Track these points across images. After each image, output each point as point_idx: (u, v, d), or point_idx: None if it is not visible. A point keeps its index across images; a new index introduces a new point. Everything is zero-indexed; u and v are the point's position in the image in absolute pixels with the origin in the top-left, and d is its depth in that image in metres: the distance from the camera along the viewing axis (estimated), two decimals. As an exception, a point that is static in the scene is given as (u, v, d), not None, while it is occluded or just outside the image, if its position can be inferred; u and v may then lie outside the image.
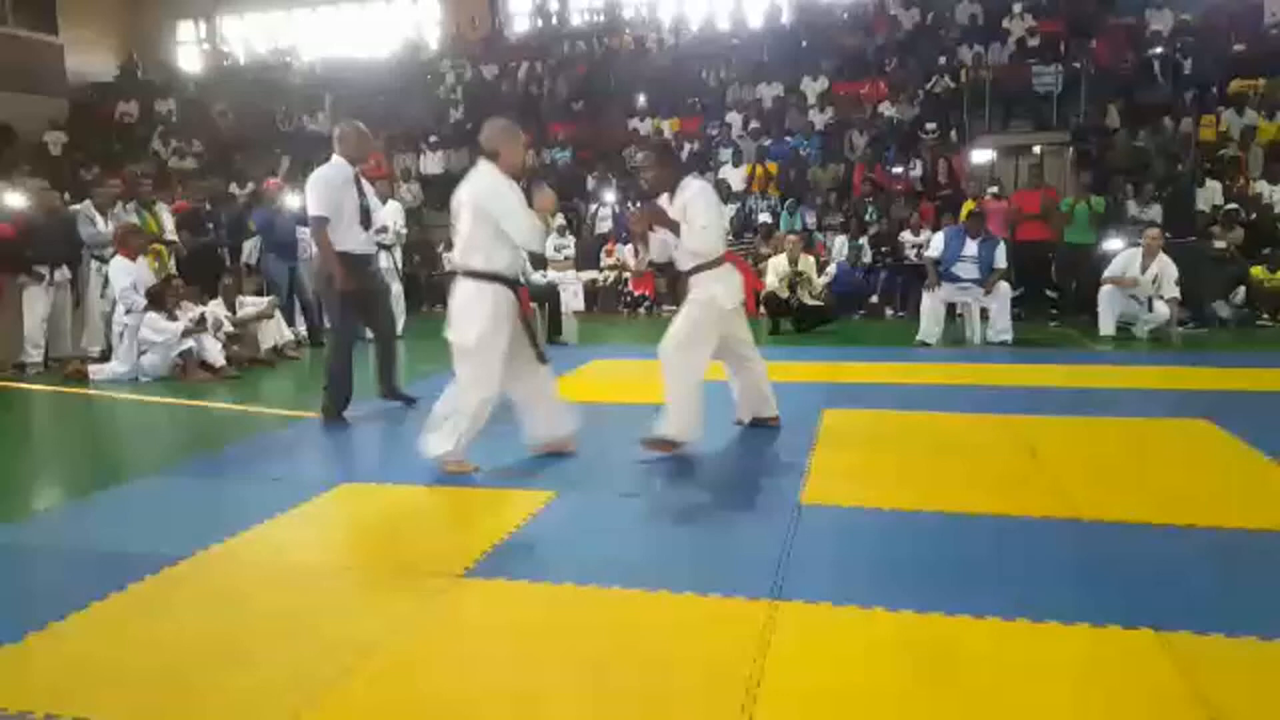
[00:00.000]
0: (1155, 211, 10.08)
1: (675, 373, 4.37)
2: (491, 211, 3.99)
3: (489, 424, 4.20)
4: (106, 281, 7.74)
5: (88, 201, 8.39)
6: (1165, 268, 8.21)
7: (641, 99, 15.15)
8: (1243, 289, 9.42)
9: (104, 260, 7.89)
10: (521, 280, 4.31)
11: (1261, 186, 10.60)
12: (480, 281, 4.05)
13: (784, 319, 9.30)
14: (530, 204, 4.11)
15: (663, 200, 4.50)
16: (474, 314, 4.02)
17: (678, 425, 4.34)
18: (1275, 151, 11.13)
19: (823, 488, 3.90)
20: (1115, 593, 2.79)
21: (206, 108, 17.43)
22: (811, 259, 9.58)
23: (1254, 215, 10.11)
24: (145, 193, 8.97)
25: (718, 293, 4.43)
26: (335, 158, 5.37)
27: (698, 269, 4.47)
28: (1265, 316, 9.22)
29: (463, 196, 4.07)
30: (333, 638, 2.59)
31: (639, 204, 4.64)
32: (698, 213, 4.35)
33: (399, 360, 6.12)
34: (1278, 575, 2.95)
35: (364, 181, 5.51)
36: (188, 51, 20.86)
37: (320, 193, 5.20)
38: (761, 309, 9.76)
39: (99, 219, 8.23)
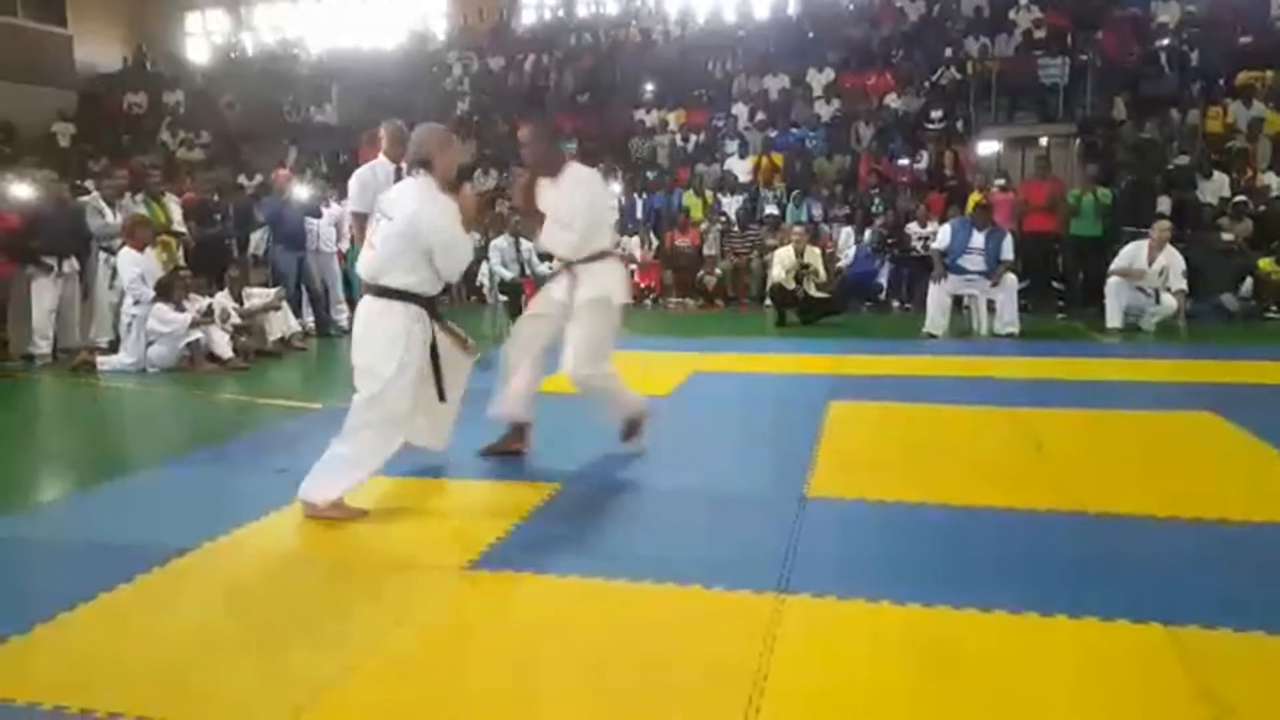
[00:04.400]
0: (1163, 204, 10.04)
1: (595, 388, 4.17)
2: (430, 244, 3.52)
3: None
4: (114, 273, 7.76)
5: (95, 193, 8.41)
6: (1173, 259, 8.19)
7: (648, 91, 15.11)
8: (1250, 281, 9.38)
9: (112, 251, 7.90)
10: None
11: (1269, 178, 10.54)
12: (394, 301, 3.56)
13: (790, 311, 9.29)
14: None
15: (544, 183, 4.12)
16: (389, 336, 3.54)
17: (627, 410, 4.32)
18: (1283, 144, 11.08)
19: (829, 480, 3.90)
20: (1123, 587, 2.78)
21: (214, 99, 17.45)
22: (817, 251, 9.56)
23: (1262, 207, 10.06)
24: (153, 184, 8.98)
25: (611, 288, 4.14)
26: (380, 156, 5.82)
27: (589, 259, 4.11)
28: (1273, 309, 9.18)
29: (395, 211, 3.55)
30: (337, 632, 2.60)
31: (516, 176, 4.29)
32: (575, 207, 4.01)
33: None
34: (1284, 569, 2.95)
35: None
36: (196, 43, 20.86)
37: (354, 189, 5.77)
38: (768, 300, 9.76)
39: (107, 210, 8.25)
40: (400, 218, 3.53)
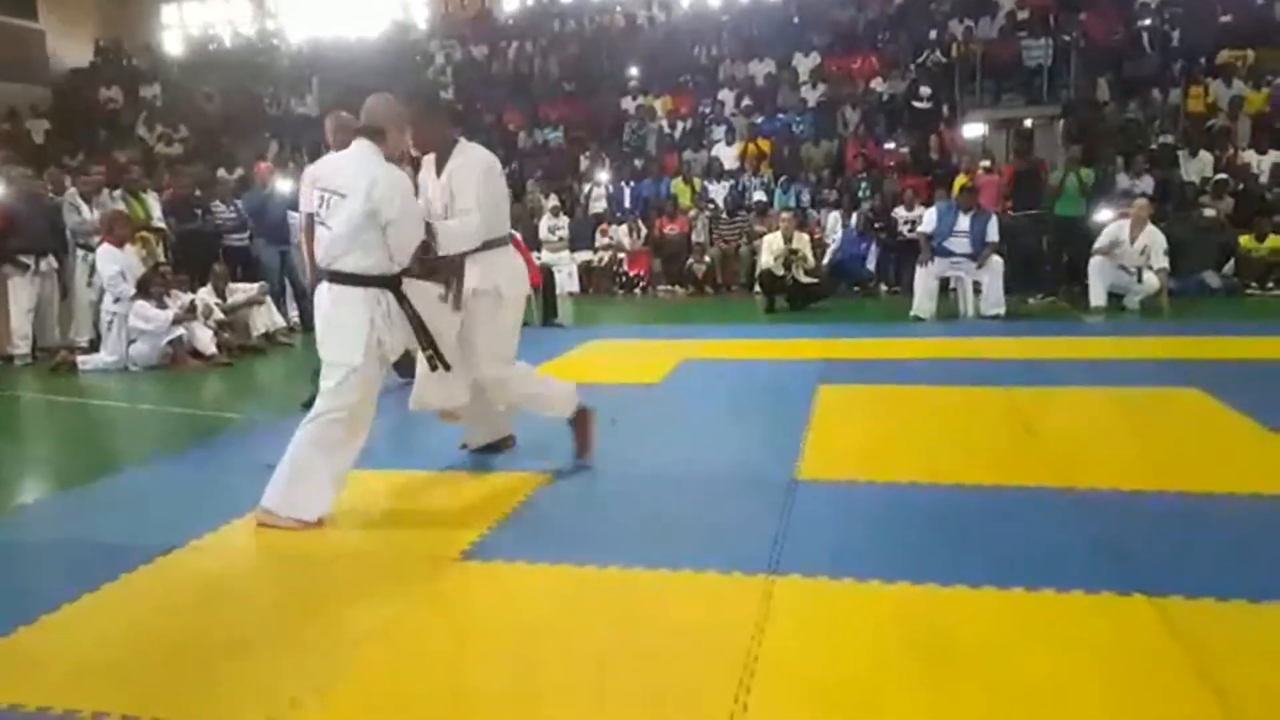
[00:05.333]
0: (1146, 183, 10.09)
1: (513, 392, 3.90)
2: (388, 216, 3.27)
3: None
4: (93, 270, 7.67)
5: (72, 189, 8.31)
6: (1154, 238, 8.23)
7: (634, 77, 15.05)
8: (1232, 259, 9.44)
9: (90, 249, 7.81)
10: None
11: (1249, 156, 10.61)
12: (352, 287, 3.36)
13: (779, 297, 9.29)
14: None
15: (427, 161, 3.74)
16: (351, 326, 3.34)
17: (562, 404, 3.98)
18: (1263, 122, 11.14)
19: (818, 463, 3.90)
20: (1109, 560, 2.80)
21: (192, 92, 17.26)
22: (805, 237, 9.57)
23: (1242, 185, 10.12)
24: (131, 179, 8.88)
25: (502, 283, 3.71)
26: (330, 151, 5.27)
27: (478, 249, 3.66)
28: (1254, 285, 9.24)
29: (349, 186, 3.30)
30: (328, 627, 2.58)
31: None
32: (466, 189, 3.57)
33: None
34: (1267, 539, 2.97)
35: None
36: (172, 35, 20.63)
37: (303, 190, 5.14)
38: (757, 287, 9.76)
39: (84, 206, 8.17)
40: (357, 192, 3.27)
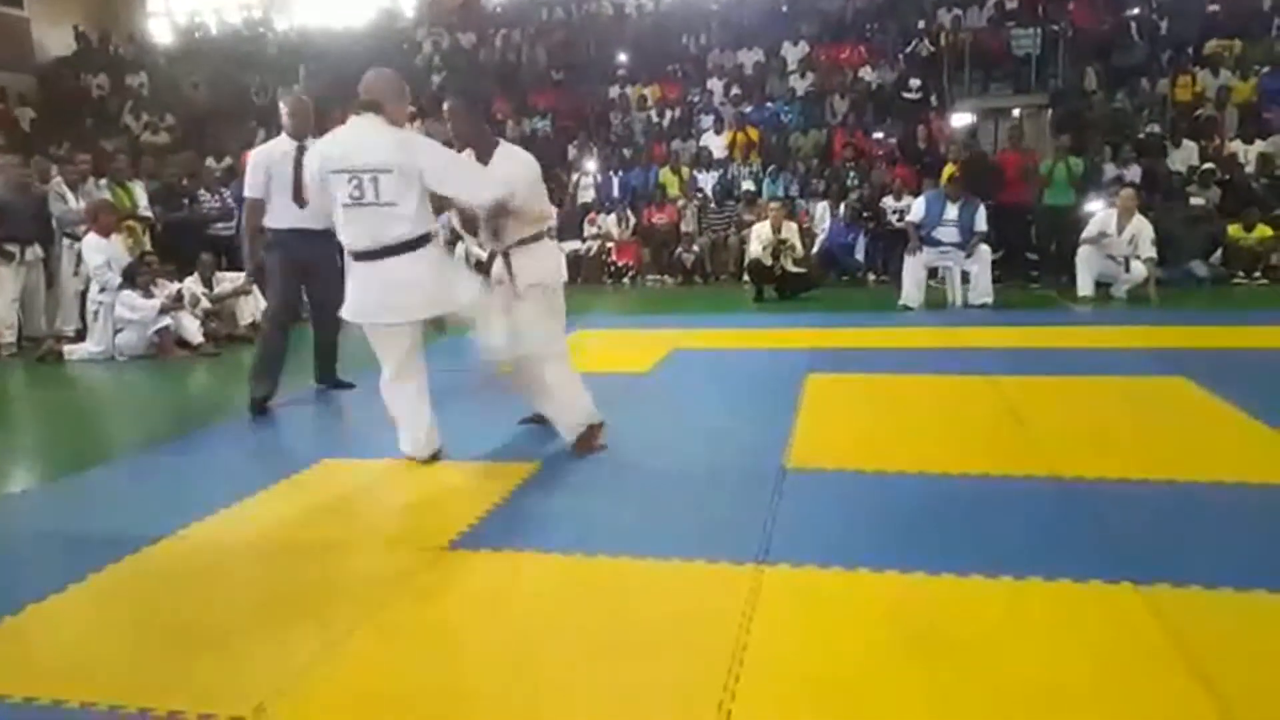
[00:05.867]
0: (1133, 173, 10.12)
1: (550, 370, 3.94)
2: (422, 168, 3.45)
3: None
4: (79, 259, 7.62)
5: (58, 178, 8.24)
6: (1141, 228, 8.26)
7: (622, 66, 14.99)
8: (1220, 249, 9.48)
9: (75, 238, 7.76)
10: None
11: (1236, 146, 10.65)
12: (429, 249, 3.59)
13: (768, 286, 9.30)
14: None
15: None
16: (457, 268, 3.78)
17: (580, 414, 4.01)
18: (1250, 111, 11.19)
19: (807, 452, 3.91)
20: (1096, 548, 2.82)
21: (178, 81, 17.12)
22: (794, 226, 9.57)
23: (1229, 175, 10.17)
24: (117, 168, 8.81)
25: (549, 272, 4.02)
26: (282, 134, 5.22)
27: (522, 242, 3.90)
28: (1241, 275, 9.29)
29: (372, 159, 3.44)
30: (314, 615, 2.58)
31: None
32: (515, 181, 3.76)
33: (338, 347, 5.55)
34: (1252, 527, 2.99)
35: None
36: (159, 23, 20.43)
37: (248, 174, 5.16)
38: (746, 277, 9.76)
39: (69, 195, 8.10)
40: (385, 161, 3.40)
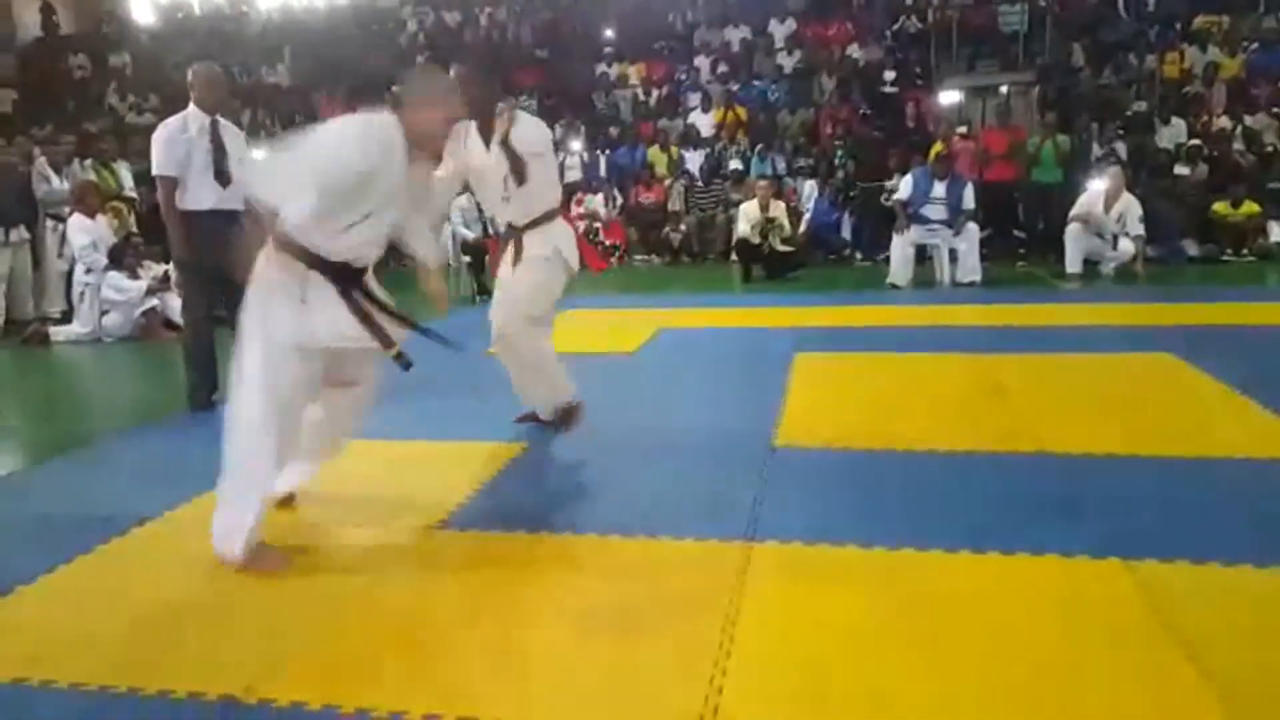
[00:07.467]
0: (1120, 150, 10.13)
1: (525, 348, 3.84)
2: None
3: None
4: (64, 241, 7.55)
5: (42, 159, 8.16)
6: (1129, 205, 8.28)
7: (608, 43, 14.88)
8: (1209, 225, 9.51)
9: (60, 219, 7.69)
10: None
11: (1225, 123, 10.66)
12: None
13: (756, 266, 9.29)
14: None
15: (467, 129, 3.70)
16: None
17: (556, 394, 3.94)
18: (1237, 88, 11.20)
19: (796, 429, 3.93)
20: (1083, 524, 2.84)
21: (162, 61, 16.91)
22: (782, 205, 9.55)
23: (1217, 152, 10.19)
24: (103, 149, 8.72)
25: (562, 246, 3.86)
26: (190, 106, 4.75)
27: (535, 222, 3.82)
28: (1228, 252, 9.33)
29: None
30: (302, 596, 2.58)
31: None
32: (540, 158, 3.72)
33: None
34: (1238, 502, 3.02)
35: (227, 129, 4.79)
36: (140, 4, 20.12)
37: (160, 149, 4.63)
38: (734, 256, 9.75)
39: (53, 176, 8.03)
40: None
